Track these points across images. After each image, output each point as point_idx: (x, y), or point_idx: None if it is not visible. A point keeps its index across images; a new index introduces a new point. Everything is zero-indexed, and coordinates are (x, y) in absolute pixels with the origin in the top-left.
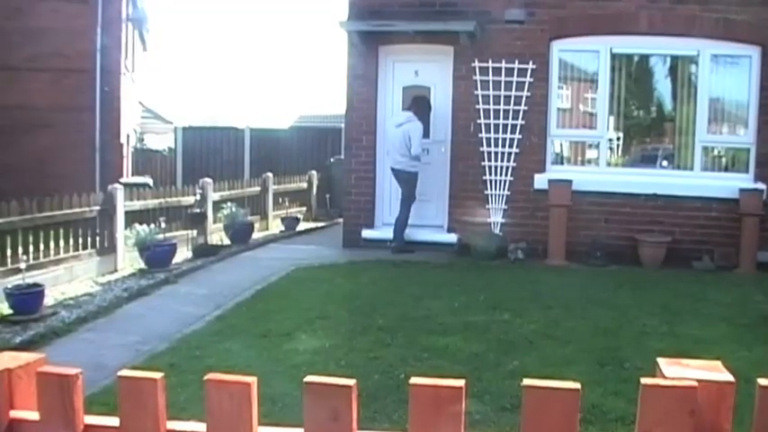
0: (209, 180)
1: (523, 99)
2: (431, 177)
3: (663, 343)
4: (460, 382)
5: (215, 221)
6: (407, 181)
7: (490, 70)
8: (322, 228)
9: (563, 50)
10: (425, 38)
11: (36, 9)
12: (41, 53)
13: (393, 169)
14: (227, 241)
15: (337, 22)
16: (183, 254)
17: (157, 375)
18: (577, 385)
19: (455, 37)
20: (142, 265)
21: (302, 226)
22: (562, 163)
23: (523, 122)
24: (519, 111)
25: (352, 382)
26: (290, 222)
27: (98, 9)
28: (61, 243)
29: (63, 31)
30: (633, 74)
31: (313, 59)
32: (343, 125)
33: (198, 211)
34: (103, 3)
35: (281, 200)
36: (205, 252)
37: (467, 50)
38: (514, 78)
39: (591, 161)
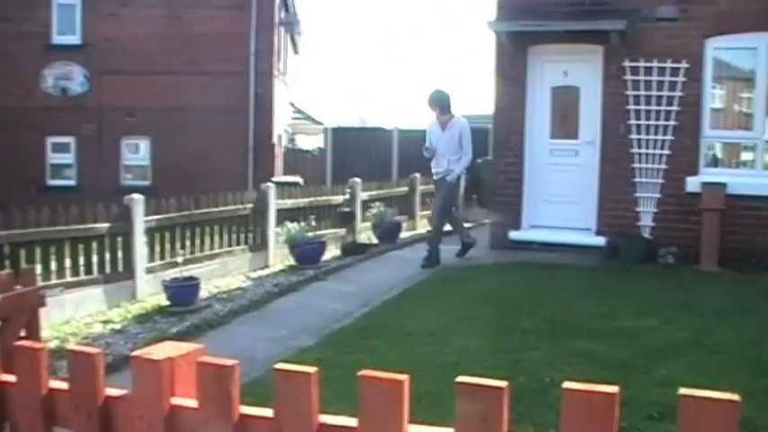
0: (357, 180)
1: (675, 99)
2: (578, 179)
3: None
4: (614, 389)
5: (363, 220)
6: (448, 189)
7: (641, 70)
8: (469, 228)
9: (718, 48)
10: (575, 37)
11: (195, 16)
12: (199, 58)
13: (434, 180)
14: (374, 240)
15: (486, 22)
16: (331, 252)
17: (311, 369)
18: (736, 397)
19: (605, 36)
20: (292, 261)
21: (449, 226)
22: (716, 165)
23: (675, 123)
24: (671, 111)
25: (504, 383)
26: None
27: (252, 15)
28: (216, 239)
29: (219, 36)
30: None
31: (461, 60)
32: (490, 126)
33: (347, 210)
34: (257, 8)
35: (428, 200)
36: (353, 250)
37: (617, 50)
38: (666, 78)
39: (746, 163)
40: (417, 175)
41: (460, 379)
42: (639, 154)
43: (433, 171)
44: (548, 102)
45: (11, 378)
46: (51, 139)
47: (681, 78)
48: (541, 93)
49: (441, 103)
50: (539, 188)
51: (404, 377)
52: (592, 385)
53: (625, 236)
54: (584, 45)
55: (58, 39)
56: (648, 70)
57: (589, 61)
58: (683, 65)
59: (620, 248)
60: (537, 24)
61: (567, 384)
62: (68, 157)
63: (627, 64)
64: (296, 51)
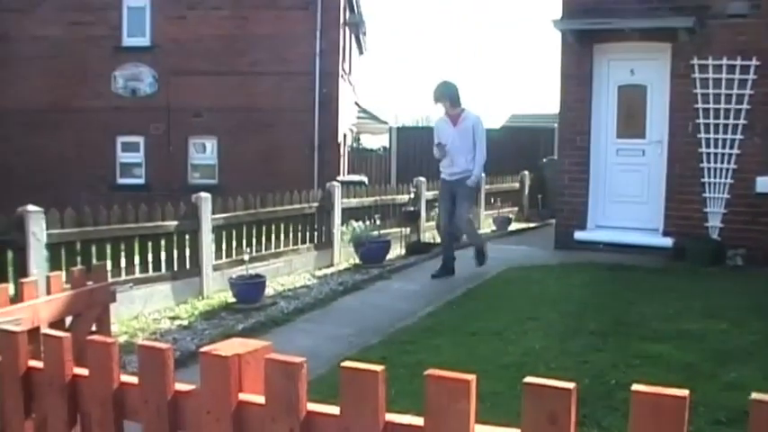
0: (422, 179)
1: (746, 98)
2: (645, 179)
3: None
4: (684, 392)
5: (428, 220)
6: (469, 193)
7: (710, 68)
8: (533, 228)
9: None
10: (642, 35)
11: (261, 17)
12: (265, 58)
13: (449, 181)
14: (439, 240)
15: (551, 20)
16: (396, 251)
17: (378, 368)
18: None
19: (673, 33)
20: (357, 260)
21: (513, 226)
22: None
23: (746, 122)
24: (740, 110)
25: (571, 385)
26: (502, 222)
27: (317, 15)
28: (282, 237)
29: (285, 36)
30: None
31: (525, 58)
32: (556, 125)
33: (411, 209)
34: (322, 9)
35: (492, 200)
36: (418, 249)
37: (685, 47)
38: (736, 76)
39: None
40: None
41: (528, 380)
42: (708, 153)
43: (445, 172)
44: (614, 100)
45: (83, 371)
46: (121, 139)
47: (751, 76)
48: (608, 91)
49: (450, 96)
50: (605, 188)
51: (471, 377)
52: (661, 388)
53: (692, 237)
54: (651, 43)
55: (127, 41)
56: (718, 68)
57: (656, 59)
58: (754, 62)
59: (687, 249)
60: (603, 22)
61: (635, 387)
62: (137, 157)
63: (695, 62)
64: (361, 51)
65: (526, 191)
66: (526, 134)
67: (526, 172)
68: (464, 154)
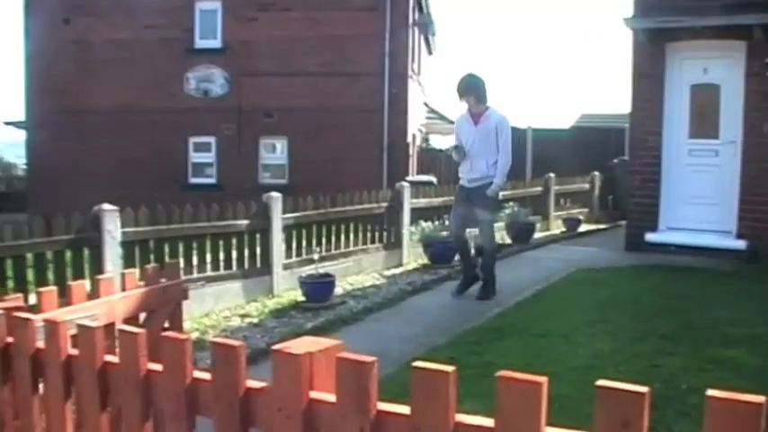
0: None
1: None
2: (718, 180)
3: None
4: (760, 399)
5: (497, 220)
6: (491, 203)
7: None
8: (603, 230)
9: None
10: (715, 33)
11: (330, 18)
12: (334, 59)
13: (467, 188)
14: (508, 240)
15: (622, 19)
16: None
17: (450, 368)
18: None
19: (748, 31)
20: (426, 260)
21: (583, 227)
22: None
23: None
24: None
25: (645, 389)
26: (572, 223)
27: (387, 16)
28: (351, 237)
29: (354, 37)
30: None
31: (595, 57)
32: (626, 125)
33: None
34: (392, 9)
35: (562, 200)
36: None
37: (760, 45)
38: None
39: None
40: (552, 175)
41: (601, 383)
42: None
43: (463, 177)
44: (686, 100)
45: (157, 367)
46: (193, 139)
47: None
48: (680, 91)
49: (476, 91)
50: (677, 189)
51: (542, 379)
52: (736, 394)
53: (766, 239)
54: (725, 41)
55: (200, 43)
56: None
57: (730, 58)
58: None
59: (760, 252)
60: (675, 21)
61: (710, 392)
62: (209, 157)
63: None
64: (430, 52)
65: (596, 192)
66: (596, 134)
67: (596, 173)
68: (485, 157)
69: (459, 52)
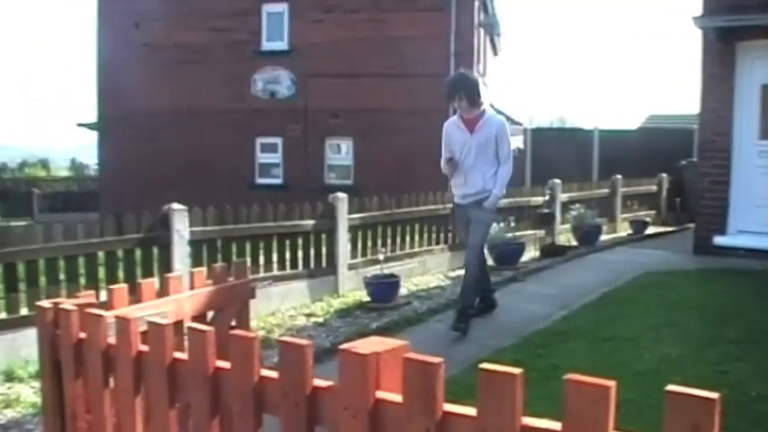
0: (557, 181)
1: None
2: None
3: None
4: None
5: (563, 222)
6: (486, 220)
7: None
8: (671, 232)
9: None
10: None
11: (396, 19)
12: (400, 60)
13: (463, 206)
14: (573, 242)
15: (691, 18)
16: (530, 253)
17: (517, 371)
18: None
19: None
20: (491, 261)
21: (650, 230)
22: None
23: None
24: None
25: (715, 395)
26: (638, 226)
27: (452, 17)
28: (416, 238)
29: (420, 38)
30: None
31: (663, 57)
32: (695, 126)
33: (546, 211)
34: (457, 10)
35: (629, 202)
36: (552, 252)
37: None
38: None
39: None
40: (619, 176)
41: (670, 388)
42: None
43: (457, 193)
44: (757, 101)
45: (225, 364)
46: (260, 140)
47: None
48: (750, 91)
49: (469, 92)
50: (747, 192)
51: (611, 383)
52: None
53: None
54: None
55: (266, 45)
56: None
57: None
58: None
59: None
60: (746, 19)
61: None
62: (276, 157)
63: None
64: (495, 53)
65: (664, 194)
66: (664, 135)
67: (664, 174)
68: (481, 170)
69: (524, 53)
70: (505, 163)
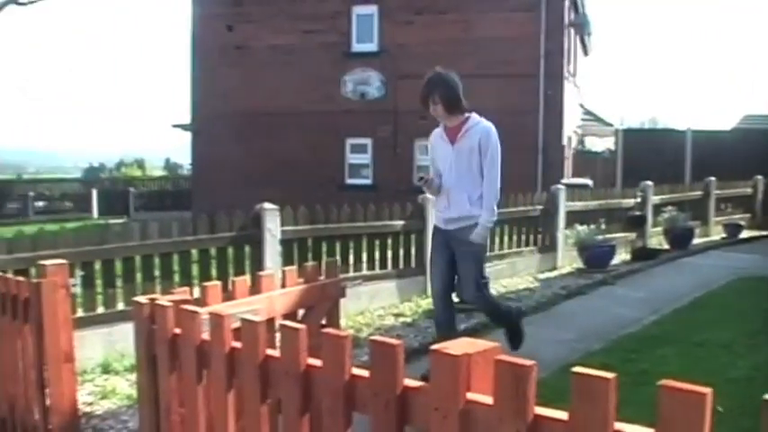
0: (649, 183)
1: None
2: None
3: None
4: None
5: (654, 225)
6: (477, 252)
7: None
8: (766, 237)
9: None
10: None
11: (486, 20)
12: (489, 61)
13: (444, 231)
14: (665, 245)
15: None
16: (620, 256)
17: (610, 375)
18: None
19: None
20: (580, 264)
21: (745, 233)
22: None
23: None
24: None
25: None
26: (732, 229)
27: (542, 17)
28: (505, 239)
29: (509, 39)
30: None
31: (760, 55)
32: None
33: (637, 213)
34: (547, 10)
35: (722, 205)
36: (643, 255)
37: None
38: None
39: None
40: (713, 178)
41: None
42: None
43: (438, 217)
44: None
45: (317, 362)
46: (350, 141)
47: None
48: None
49: (444, 95)
50: None
51: (707, 390)
52: None
53: None
54: None
55: (356, 47)
56: None
57: None
58: None
59: None
60: None
61: None
62: (365, 158)
63: None
64: (586, 53)
65: (759, 196)
66: (760, 136)
67: (760, 177)
68: (466, 189)
69: (616, 52)
70: (490, 178)
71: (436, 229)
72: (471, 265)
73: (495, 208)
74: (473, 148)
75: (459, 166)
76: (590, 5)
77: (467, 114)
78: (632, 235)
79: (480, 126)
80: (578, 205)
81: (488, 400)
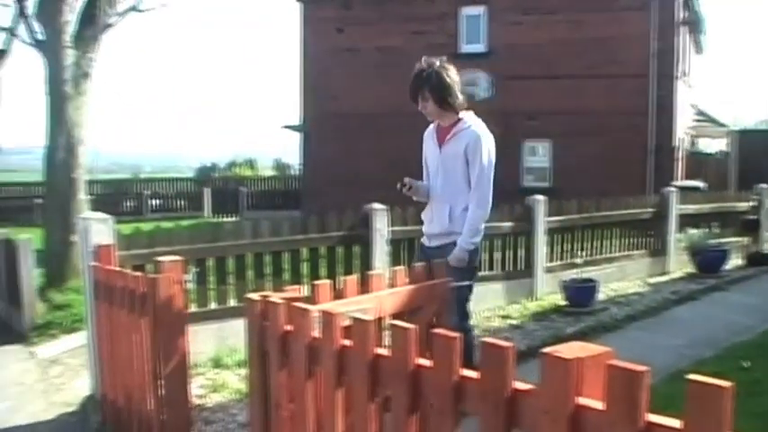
0: (765, 186)
1: None
2: None
3: None
4: None
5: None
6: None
7: None
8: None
9: None
10: None
11: (595, 20)
12: (599, 61)
13: (427, 248)
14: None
15: None
16: (734, 261)
17: (727, 384)
18: None
19: None
20: (691, 269)
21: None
22: None
23: None
24: None
25: None
26: None
27: (653, 15)
28: (615, 242)
29: (619, 38)
30: None
31: None
32: None
33: (752, 217)
34: (659, 9)
35: None
36: (758, 261)
37: None
38: None
39: None
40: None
41: None
42: None
43: (425, 231)
44: None
45: (426, 362)
46: None
47: None
48: None
49: (435, 89)
50: None
51: None
52: None
53: None
54: None
55: (465, 48)
56: None
57: None
58: None
59: None
60: None
61: None
62: None
63: None
64: (699, 51)
65: None
66: None
67: None
68: (449, 200)
69: (731, 50)
70: (478, 192)
71: (421, 246)
72: (455, 301)
73: (482, 228)
74: (458, 154)
75: (445, 173)
76: (704, 3)
77: (460, 115)
78: (746, 240)
79: (469, 131)
80: (691, 208)
81: (599, 405)
